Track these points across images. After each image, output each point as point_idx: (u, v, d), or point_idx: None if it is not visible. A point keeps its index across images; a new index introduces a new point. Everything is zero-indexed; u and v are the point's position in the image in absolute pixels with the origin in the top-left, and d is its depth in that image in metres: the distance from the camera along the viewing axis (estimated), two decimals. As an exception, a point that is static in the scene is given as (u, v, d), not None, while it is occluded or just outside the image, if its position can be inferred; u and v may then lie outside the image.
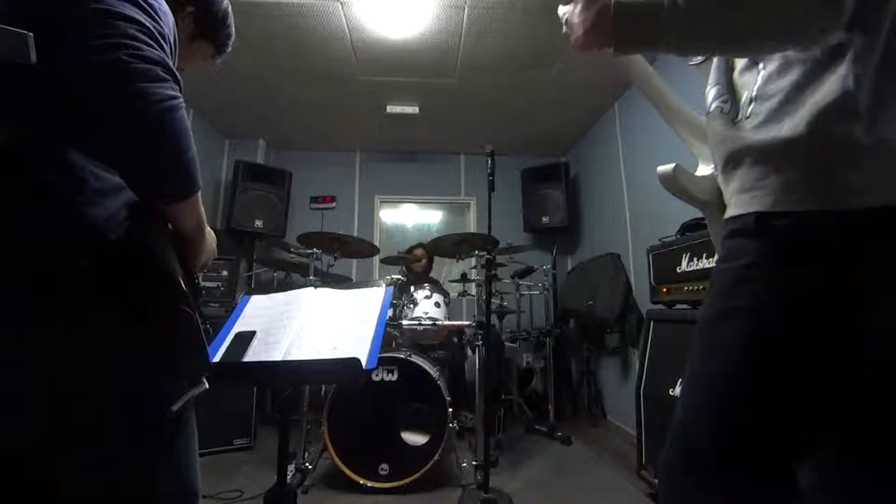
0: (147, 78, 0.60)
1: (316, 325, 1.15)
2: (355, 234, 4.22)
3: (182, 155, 0.65)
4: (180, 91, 0.66)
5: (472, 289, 3.20)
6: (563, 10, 0.72)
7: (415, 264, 3.61)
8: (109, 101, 0.61)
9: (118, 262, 0.62)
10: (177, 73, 0.66)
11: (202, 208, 0.77)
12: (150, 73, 0.61)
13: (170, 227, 0.74)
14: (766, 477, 0.62)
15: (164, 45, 0.66)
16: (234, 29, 0.97)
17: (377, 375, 2.27)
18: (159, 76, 0.62)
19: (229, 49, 0.98)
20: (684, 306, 2.01)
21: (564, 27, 0.72)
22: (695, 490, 0.66)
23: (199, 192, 0.73)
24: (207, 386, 0.73)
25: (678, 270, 2.01)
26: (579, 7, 0.67)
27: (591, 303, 3.51)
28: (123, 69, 0.59)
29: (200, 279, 0.83)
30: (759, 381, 0.62)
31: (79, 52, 0.60)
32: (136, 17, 0.63)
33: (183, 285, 0.68)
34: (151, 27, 0.64)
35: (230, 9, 0.95)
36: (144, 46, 0.62)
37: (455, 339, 3.28)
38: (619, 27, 0.63)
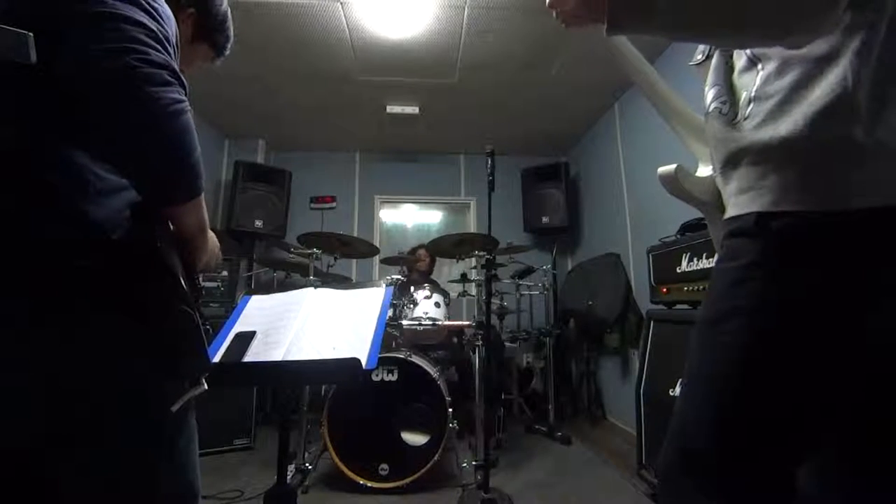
0: (154, 82, 0.60)
1: (316, 325, 1.15)
2: (355, 234, 4.22)
3: (187, 158, 0.66)
4: (186, 94, 0.66)
5: (472, 289, 3.20)
6: None
7: (418, 264, 3.61)
8: (115, 105, 0.61)
9: (119, 262, 0.62)
10: (182, 77, 0.66)
11: (205, 210, 0.77)
12: (157, 78, 0.61)
13: (171, 227, 0.73)
14: (765, 477, 0.62)
15: (169, 49, 0.66)
16: (232, 31, 0.97)
17: (377, 375, 2.27)
18: (166, 80, 0.62)
19: (228, 52, 0.99)
20: (684, 306, 2.01)
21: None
22: (694, 490, 0.66)
23: (203, 194, 0.73)
24: (207, 387, 0.73)
25: (678, 270, 2.01)
26: None
27: (591, 303, 3.51)
28: (131, 74, 0.59)
29: (201, 279, 0.83)
30: (759, 382, 0.62)
31: (82, 54, 0.59)
32: (142, 20, 0.63)
33: (183, 285, 0.68)
34: (157, 30, 0.64)
35: (229, 11, 0.95)
36: (151, 50, 0.61)
37: (455, 339, 3.28)
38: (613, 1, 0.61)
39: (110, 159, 0.64)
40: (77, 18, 0.60)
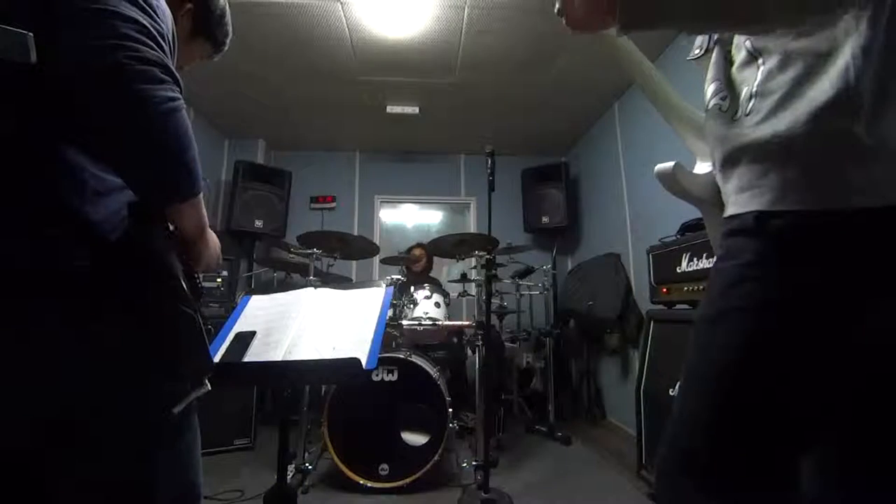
0: (147, 80, 0.60)
1: (316, 325, 1.16)
2: (355, 234, 4.22)
3: (182, 157, 0.65)
4: (181, 92, 0.65)
5: (472, 289, 3.20)
6: None
7: (414, 264, 3.61)
8: (109, 103, 0.60)
9: (118, 263, 0.61)
10: (176, 74, 0.65)
11: (204, 210, 0.76)
12: (149, 75, 0.60)
13: (171, 227, 0.73)
14: (762, 477, 0.61)
15: (164, 45, 0.65)
16: (231, 27, 0.96)
17: (377, 375, 2.27)
18: (159, 77, 0.61)
19: (227, 48, 0.98)
20: (684, 306, 2.01)
21: (557, 4, 0.67)
22: (691, 489, 0.66)
23: (202, 194, 0.72)
24: (210, 387, 0.73)
25: (678, 270, 2.01)
26: None
27: (591, 303, 3.51)
28: (123, 72, 0.58)
29: (201, 279, 0.83)
30: (757, 381, 0.62)
31: (76, 52, 0.59)
32: (135, 16, 0.62)
33: (184, 286, 0.67)
34: (150, 26, 0.63)
35: (227, 6, 0.94)
36: (143, 47, 0.60)
37: (455, 339, 3.27)
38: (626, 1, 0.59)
39: (109, 159, 0.64)
40: (70, 16, 0.59)
